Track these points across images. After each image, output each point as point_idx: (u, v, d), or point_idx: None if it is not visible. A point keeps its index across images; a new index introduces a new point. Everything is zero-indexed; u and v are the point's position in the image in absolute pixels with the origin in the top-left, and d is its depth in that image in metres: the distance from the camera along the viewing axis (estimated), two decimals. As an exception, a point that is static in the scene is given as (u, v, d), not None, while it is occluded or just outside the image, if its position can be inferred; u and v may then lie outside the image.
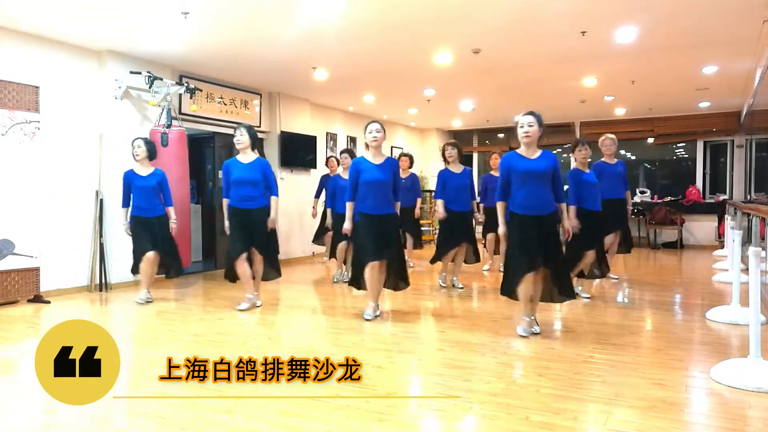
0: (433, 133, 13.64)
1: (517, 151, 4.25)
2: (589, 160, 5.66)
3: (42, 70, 6.02)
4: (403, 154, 8.14)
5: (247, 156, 5.26)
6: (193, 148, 8.33)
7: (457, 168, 6.12)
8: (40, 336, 4.58)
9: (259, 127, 8.93)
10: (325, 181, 7.67)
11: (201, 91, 7.56)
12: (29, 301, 5.83)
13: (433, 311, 5.37)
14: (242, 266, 5.20)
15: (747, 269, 3.68)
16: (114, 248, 6.61)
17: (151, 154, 5.86)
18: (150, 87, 6.70)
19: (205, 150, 9.05)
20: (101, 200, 6.55)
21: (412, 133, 13.44)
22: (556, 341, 4.13)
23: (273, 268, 5.48)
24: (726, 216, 8.83)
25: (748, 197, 9.55)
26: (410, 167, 8.00)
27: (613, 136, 6.54)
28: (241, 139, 5.22)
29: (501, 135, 13.59)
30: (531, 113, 4.19)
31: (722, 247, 9.53)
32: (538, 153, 4.20)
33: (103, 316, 5.44)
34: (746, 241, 6.16)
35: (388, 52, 6.76)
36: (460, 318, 4.98)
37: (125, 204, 5.81)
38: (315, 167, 9.81)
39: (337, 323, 4.89)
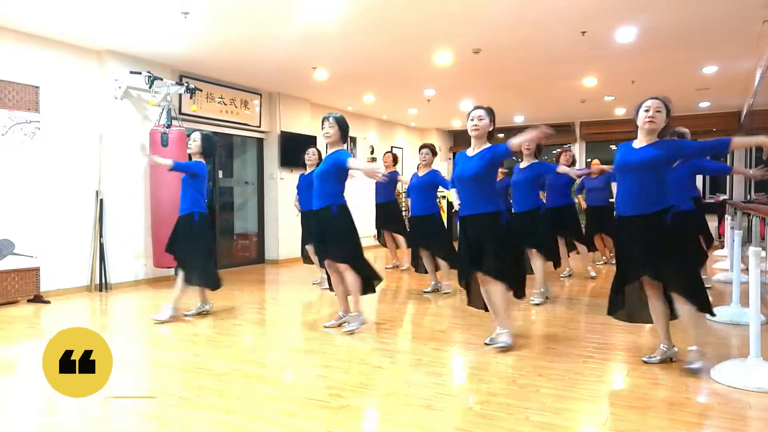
0: (433, 133, 13.64)
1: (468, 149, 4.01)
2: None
3: (42, 70, 6.02)
4: (386, 152, 8.19)
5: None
6: (193, 148, 8.32)
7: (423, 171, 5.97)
8: (40, 336, 4.60)
9: (259, 127, 8.94)
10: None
11: (201, 91, 7.56)
12: (29, 301, 5.83)
13: (433, 311, 5.37)
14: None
15: (747, 269, 3.68)
16: (114, 248, 6.61)
17: (205, 151, 5.09)
18: (150, 87, 6.71)
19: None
20: (101, 200, 6.55)
21: (412, 133, 13.44)
22: (556, 341, 4.12)
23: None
24: (726, 216, 8.83)
25: (748, 197, 9.54)
26: (395, 164, 8.02)
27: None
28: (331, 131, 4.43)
29: (501, 135, 13.55)
30: (481, 107, 3.95)
31: (722, 247, 9.53)
32: (480, 149, 3.89)
33: (103, 317, 5.44)
34: (746, 241, 6.17)
35: (388, 52, 6.76)
36: (460, 318, 4.97)
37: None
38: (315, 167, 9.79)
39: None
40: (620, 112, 11.26)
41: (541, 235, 5.42)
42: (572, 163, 6.93)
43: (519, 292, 3.98)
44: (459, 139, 14.12)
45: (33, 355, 4.12)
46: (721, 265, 7.89)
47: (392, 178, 7.54)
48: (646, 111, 3.52)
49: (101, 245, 6.50)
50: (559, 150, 7.80)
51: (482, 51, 6.62)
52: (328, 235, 4.42)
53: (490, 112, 3.97)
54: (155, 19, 5.45)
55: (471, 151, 3.97)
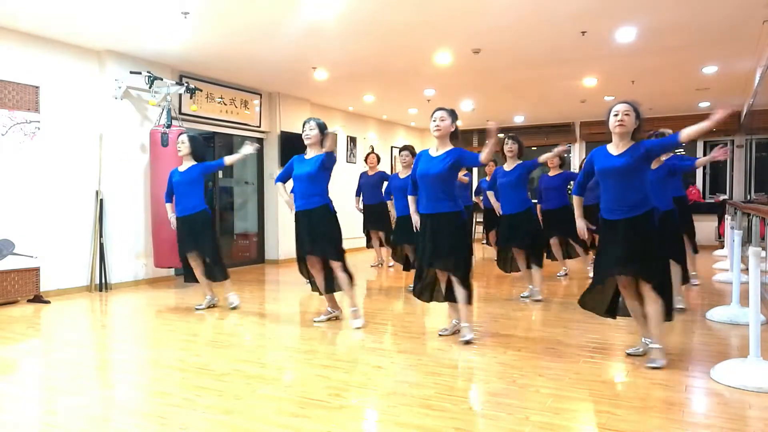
0: (433, 133, 13.63)
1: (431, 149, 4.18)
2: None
3: (42, 70, 6.02)
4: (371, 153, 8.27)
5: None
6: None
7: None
8: (40, 336, 4.60)
9: (259, 127, 8.94)
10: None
11: (201, 91, 7.56)
12: (29, 301, 5.83)
13: (432, 311, 5.37)
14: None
15: (747, 269, 3.68)
16: (114, 248, 6.61)
17: (195, 152, 5.36)
18: (150, 87, 6.71)
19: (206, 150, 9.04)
20: (101, 200, 6.55)
21: (412, 133, 13.44)
22: (555, 341, 4.12)
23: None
24: (726, 216, 8.83)
25: (748, 197, 9.54)
26: (378, 164, 8.15)
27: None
28: (311, 134, 4.69)
29: (501, 135, 13.56)
30: (443, 108, 4.11)
31: (722, 247, 9.53)
32: (444, 150, 4.06)
33: (103, 317, 5.44)
34: (746, 241, 6.16)
35: (388, 52, 6.76)
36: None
37: (168, 200, 5.40)
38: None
39: (337, 323, 4.89)
40: (620, 112, 11.26)
41: (528, 236, 5.53)
42: (561, 164, 6.99)
43: (467, 289, 4.09)
44: (459, 139, 14.10)
45: (33, 355, 4.12)
46: (721, 265, 7.89)
47: (382, 179, 7.83)
48: (615, 115, 3.64)
49: (101, 245, 6.51)
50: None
51: (482, 51, 6.62)
52: (322, 233, 4.58)
53: (452, 113, 4.14)
54: (155, 19, 5.45)
55: (434, 152, 4.12)
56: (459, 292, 4.05)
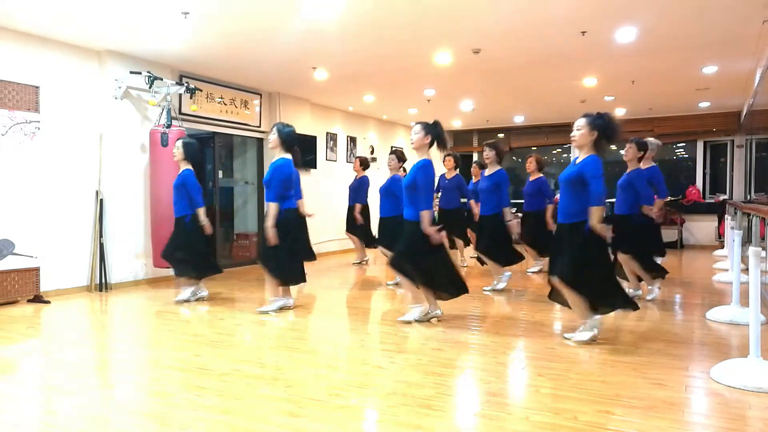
0: (433, 133, 13.62)
1: None
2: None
3: (42, 70, 6.02)
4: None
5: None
6: (193, 148, 8.31)
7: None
8: (40, 336, 4.60)
9: (259, 127, 8.94)
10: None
11: (201, 91, 7.56)
12: (29, 301, 5.83)
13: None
14: None
15: (747, 269, 3.68)
16: (114, 248, 6.61)
17: (188, 156, 5.76)
18: (150, 87, 6.70)
19: (205, 150, 9.04)
20: (101, 200, 6.55)
21: (412, 133, 13.43)
22: (556, 341, 4.13)
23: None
24: (726, 216, 8.83)
25: (748, 197, 9.54)
26: (364, 169, 8.40)
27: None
28: (271, 138, 5.19)
29: (501, 135, 13.59)
30: (419, 122, 4.55)
31: (722, 247, 9.53)
32: (416, 161, 4.53)
33: (103, 317, 5.44)
34: (746, 241, 6.16)
35: (389, 52, 6.76)
36: (459, 318, 4.98)
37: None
38: (315, 167, 9.81)
39: (337, 323, 4.89)
40: (620, 112, 11.27)
41: (492, 240, 6.13)
42: (541, 168, 7.40)
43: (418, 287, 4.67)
44: (459, 139, 14.12)
45: (33, 355, 4.12)
46: (721, 265, 7.89)
47: (363, 183, 8.26)
48: (573, 130, 4.04)
49: (101, 245, 6.50)
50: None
51: (482, 51, 6.62)
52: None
53: (425, 126, 4.54)
54: (155, 19, 5.45)
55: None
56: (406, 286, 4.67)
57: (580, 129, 3.97)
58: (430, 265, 4.54)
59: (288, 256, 5.15)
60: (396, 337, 4.33)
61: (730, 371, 3.23)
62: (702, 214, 11.12)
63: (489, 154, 6.11)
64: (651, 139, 6.04)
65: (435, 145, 4.55)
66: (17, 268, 5.74)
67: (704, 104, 10.47)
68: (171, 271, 7.19)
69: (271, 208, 5.02)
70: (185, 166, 5.73)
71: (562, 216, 4.04)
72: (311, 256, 7.30)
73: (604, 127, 3.91)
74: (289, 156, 5.13)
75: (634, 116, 11.66)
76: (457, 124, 13.15)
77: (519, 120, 12.25)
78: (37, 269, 5.93)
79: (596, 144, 3.94)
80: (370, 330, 4.55)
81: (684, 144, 12.16)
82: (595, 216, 3.81)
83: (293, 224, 5.22)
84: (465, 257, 8.43)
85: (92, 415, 2.82)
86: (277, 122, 5.29)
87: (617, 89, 9.10)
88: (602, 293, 4.03)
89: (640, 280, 5.63)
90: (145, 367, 3.69)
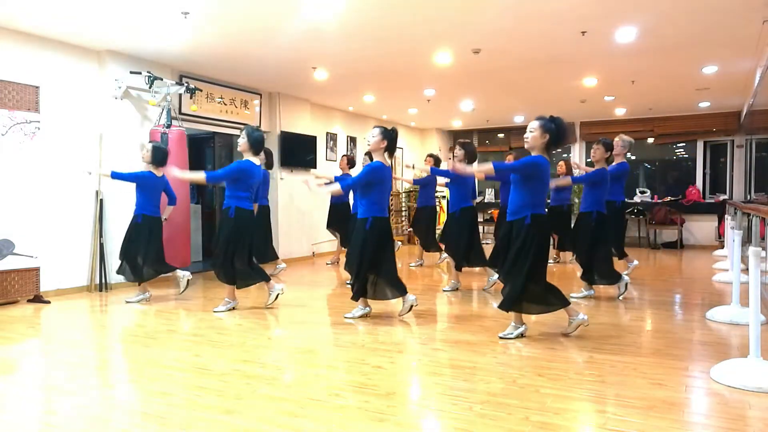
0: (434, 133, 13.65)
1: None
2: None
3: (42, 70, 6.02)
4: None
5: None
6: (193, 148, 8.33)
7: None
8: (40, 336, 4.60)
9: (260, 127, 8.93)
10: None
11: (201, 91, 7.56)
12: (29, 301, 5.83)
13: (432, 312, 5.38)
14: None
15: (747, 269, 3.68)
16: (114, 248, 6.60)
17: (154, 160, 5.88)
18: (150, 87, 6.70)
19: (205, 150, 9.05)
20: (101, 200, 6.56)
21: (412, 133, 13.44)
22: (556, 341, 4.13)
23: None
24: (726, 216, 8.83)
25: (748, 197, 9.54)
26: (350, 167, 8.38)
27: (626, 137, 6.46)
28: (240, 141, 5.31)
29: (501, 135, 13.60)
30: (378, 126, 4.87)
31: (722, 247, 9.53)
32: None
33: (103, 316, 5.44)
34: (746, 241, 6.16)
35: (388, 52, 6.76)
36: (459, 318, 4.98)
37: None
38: (315, 167, 9.81)
39: (337, 323, 4.89)
40: (620, 112, 11.27)
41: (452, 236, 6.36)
42: (569, 171, 7.51)
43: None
44: (459, 138, 14.11)
45: (33, 355, 4.12)
46: (721, 265, 7.89)
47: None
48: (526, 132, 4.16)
49: (101, 245, 6.50)
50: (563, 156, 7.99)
51: (482, 51, 6.62)
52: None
53: (383, 131, 4.83)
54: (155, 19, 5.45)
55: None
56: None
57: (532, 131, 4.06)
58: (374, 263, 4.76)
59: (236, 257, 5.29)
60: (396, 337, 4.33)
61: (730, 371, 3.23)
62: (702, 214, 11.12)
63: (458, 153, 6.07)
64: (623, 137, 6.25)
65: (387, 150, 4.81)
66: (17, 268, 5.74)
67: (704, 104, 10.47)
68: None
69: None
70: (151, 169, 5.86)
71: (509, 213, 4.22)
72: (271, 256, 7.54)
73: (555, 131, 4.03)
74: (255, 160, 5.27)
75: (634, 116, 11.66)
76: (457, 124, 13.15)
77: (519, 120, 12.25)
78: (37, 269, 5.93)
79: (547, 147, 4.07)
80: (370, 330, 4.55)
81: (684, 144, 12.16)
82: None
83: (246, 225, 5.29)
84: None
85: (92, 415, 2.82)
86: (247, 125, 5.42)
87: (617, 89, 9.10)
88: (536, 291, 4.15)
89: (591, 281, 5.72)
90: (145, 367, 3.69)
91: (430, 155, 8.17)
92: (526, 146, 4.13)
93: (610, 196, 5.85)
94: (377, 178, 4.72)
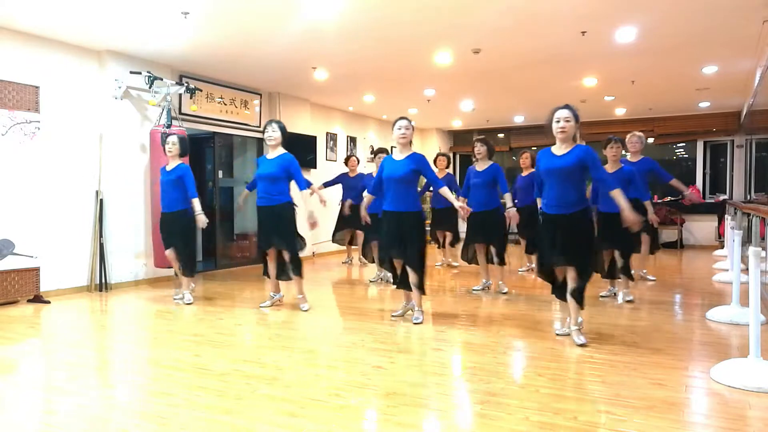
0: (433, 133, 13.65)
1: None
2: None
3: (42, 70, 6.02)
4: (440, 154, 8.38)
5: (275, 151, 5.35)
6: (193, 148, 8.30)
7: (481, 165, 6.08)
8: (40, 336, 4.60)
9: (259, 127, 8.94)
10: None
11: (201, 91, 7.56)
12: (29, 301, 5.83)
13: (433, 312, 5.37)
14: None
15: (747, 269, 3.68)
16: (114, 248, 6.61)
17: (183, 151, 5.76)
18: (150, 87, 6.71)
19: (205, 150, 9.04)
20: (101, 200, 6.56)
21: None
22: (556, 341, 4.13)
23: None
24: (726, 216, 8.83)
25: (748, 197, 9.55)
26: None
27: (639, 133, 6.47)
28: (273, 135, 5.27)
29: (501, 135, 13.59)
30: (405, 117, 4.76)
31: (722, 247, 9.53)
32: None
33: (103, 317, 5.44)
34: (746, 241, 6.16)
35: (388, 52, 6.76)
36: (459, 318, 4.98)
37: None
38: (315, 167, 9.81)
39: (337, 323, 4.89)
40: (620, 112, 11.27)
41: (493, 234, 6.02)
42: (533, 164, 7.08)
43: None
44: (459, 138, 14.13)
45: (33, 355, 4.12)
46: (721, 265, 7.89)
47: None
48: (557, 122, 3.97)
49: (101, 245, 6.51)
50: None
51: (482, 51, 6.62)
52: (286, 227, 5.24)
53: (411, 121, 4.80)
54: (155, 19, 5.45)
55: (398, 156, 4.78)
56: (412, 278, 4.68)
57: (569, 120, 3.93)
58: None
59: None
60: (396, 337, 4.33)
61: (730, 371, 3.23)
62: (702, 214, 11.11)
63: (481, 149, 5.98)
64: (639, 134, 6.33)
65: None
66: (17, 268, 5.74)
67: (704, 104, 10.47)
68: (171, 271, 7.20)
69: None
70: (176, 162, 5.69)
71: (561, 207, 3.96)
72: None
73: (578, 119, 4.02)
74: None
75: (634, 116, 11.66)
76: (457, 124, 13.15)
77: (519, 120, 12.25)
78: (37, 269, 5.93)
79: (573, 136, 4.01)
80: (370, 330, 4.55)
81: (684, 144, 12.16)
82: (623, 201, 3.94)
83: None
84: (451, 257, 8.49)
85: (92, 415, 2.82)
86: (272, 119, 5.43)
87: (617, 89, 9.10)
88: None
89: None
90: (145, 367, 3.69)
91: (443, 155, 8.15)
92: (562, 137, 3.94)
93: (637, 194, 5.70)
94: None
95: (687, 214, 11.11)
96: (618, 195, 3.95)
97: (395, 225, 4.66)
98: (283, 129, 5.33)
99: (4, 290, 5.65)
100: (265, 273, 5.49)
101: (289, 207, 5.27)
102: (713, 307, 4.96)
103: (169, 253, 5.75)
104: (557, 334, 4.24)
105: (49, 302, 5.82)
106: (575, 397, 3.00)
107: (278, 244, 5.25)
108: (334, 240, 8.52)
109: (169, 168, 5.67)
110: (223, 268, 8.51)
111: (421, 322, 4.66)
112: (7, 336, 4.48)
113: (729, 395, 3.02)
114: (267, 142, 5.29)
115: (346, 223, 8.17)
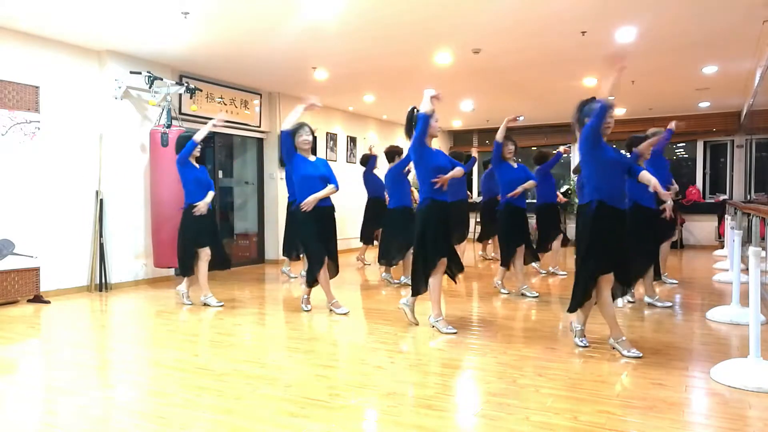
0: (433, 133, 13.63)
1: None
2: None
3: (42, 70, 6.02)
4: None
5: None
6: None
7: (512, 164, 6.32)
8: (40, 336, 4.60)
9: (259, 127, 8.94)
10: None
11: (201, 91, 7.56)
12: (29, 301, 5.83)
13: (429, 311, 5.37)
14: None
15: (747, 269, 3.68)
16: (114, 248, 6.61)
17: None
18: (150, 87, 6.71)
19: (205, 150, 9.04)
20: (101, 200, 6.56)
21: (412, 133, 13.43)
22: (555, 341, 4.13)
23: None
24: (726, 216, 8.83)
25: (748, 197, 9.54)
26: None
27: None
28: (308, 139, 5.22)
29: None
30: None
31: (722, 247, 9.53)
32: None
33: (103, 317, 5.44)
34: (746, 241, 6.16)
35: (388, 52, 6.75)
36: (459, 318, 4.98)
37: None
38: (315, 167, 9.79)
39: (337, 323, 4.89)
40: (620, 112, 11.26)
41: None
42: (515, 152, 6.89)
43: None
44: (459, 138, 14.12)
45: (33, 355, 4.12)
46: (721, 265, 7.89)
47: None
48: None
49: (101, 245, 6.50)
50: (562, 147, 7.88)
51: (482, 51, 6.62)
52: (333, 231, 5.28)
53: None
54: (155, 19, 5.45)
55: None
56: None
57: (612, 116, 4.02)
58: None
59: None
60: (396, 337, 4.33)
61: (730, 371, 3.23)
62: (702, 214, 11.11)
63: (512, 147, 6.48)
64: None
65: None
66: (17, 268, 5.74)
67: (704, 104, 10.47)
68: (171, 271, 7.21)
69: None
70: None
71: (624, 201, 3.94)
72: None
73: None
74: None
75: (634, 116, 11.66)
76: (457, 124, 13.14)
77: (519, 120, 12.23)
78: (37, 269, 5.92)
79: None
80: (370, 330, 4.55)
81: (684, 144, 12.16)
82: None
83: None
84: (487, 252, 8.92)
85: (92, 415, 2.82)
86: (303, 122, 5.21)
87: (617, 89, 9.09)
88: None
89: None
90: (145, 367, 3.69)
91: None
92: (609, 132, 4.03)
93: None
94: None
95: (687, 214, 11.11)
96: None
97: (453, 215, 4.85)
98: (313, 134, 5.37)
99: (4, 290, 5.65)
100: (315, 281, 5.24)
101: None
102: (713, 307, 4.96)
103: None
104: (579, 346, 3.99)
105: (49, 302, 5.82)
106: (575, 397, 3.00)
107: (334, 251, 5.28)
108: (363, 240, 8.35)
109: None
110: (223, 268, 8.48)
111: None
112: (7, 336, 4.48)
113: (729, 395, 3.02)
114: (302, 146, 5.15)
115: (373, 222, 7.95)
